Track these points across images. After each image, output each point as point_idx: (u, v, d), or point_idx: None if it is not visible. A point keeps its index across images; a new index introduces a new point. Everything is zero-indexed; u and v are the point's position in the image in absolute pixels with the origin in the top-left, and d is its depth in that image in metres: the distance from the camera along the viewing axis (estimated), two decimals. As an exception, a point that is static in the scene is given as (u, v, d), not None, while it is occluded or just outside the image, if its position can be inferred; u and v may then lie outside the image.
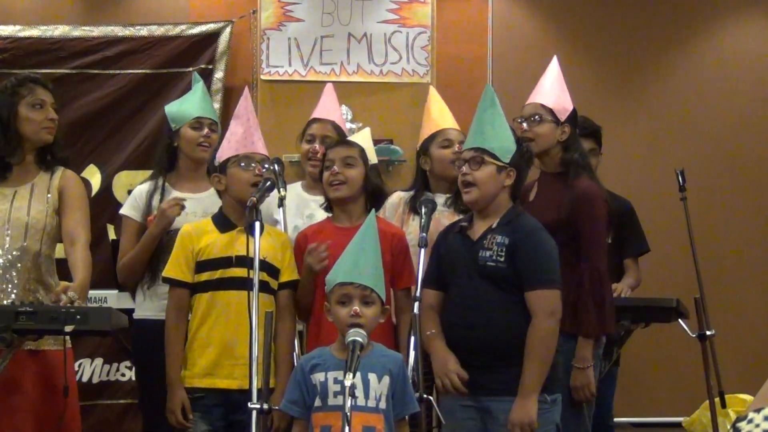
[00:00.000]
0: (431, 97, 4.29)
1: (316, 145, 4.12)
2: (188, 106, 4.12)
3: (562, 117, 3.86)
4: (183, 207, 3.83)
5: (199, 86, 4.22)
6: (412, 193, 4.07)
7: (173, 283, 3.57)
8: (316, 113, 4.26)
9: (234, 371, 3.46)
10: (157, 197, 3.99)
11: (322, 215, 4.01)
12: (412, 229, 3.88)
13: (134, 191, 4.09)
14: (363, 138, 3.96)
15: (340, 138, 4.12)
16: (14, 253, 3.57)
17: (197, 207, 3.95)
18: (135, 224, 4.00)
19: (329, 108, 4.29)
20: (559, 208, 3.74)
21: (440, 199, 3.96)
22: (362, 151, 3.72)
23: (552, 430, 3.42)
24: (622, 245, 4.71)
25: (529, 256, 3.40)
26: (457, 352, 3.42)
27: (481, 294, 3.41)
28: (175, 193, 4.02)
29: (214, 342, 3.50)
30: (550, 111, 3.85)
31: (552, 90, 3.91)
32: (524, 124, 3.85)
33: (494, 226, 3.46)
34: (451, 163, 3.94)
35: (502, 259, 3.39)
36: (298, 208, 4.11)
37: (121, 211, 4.09)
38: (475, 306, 3.41)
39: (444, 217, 3.88)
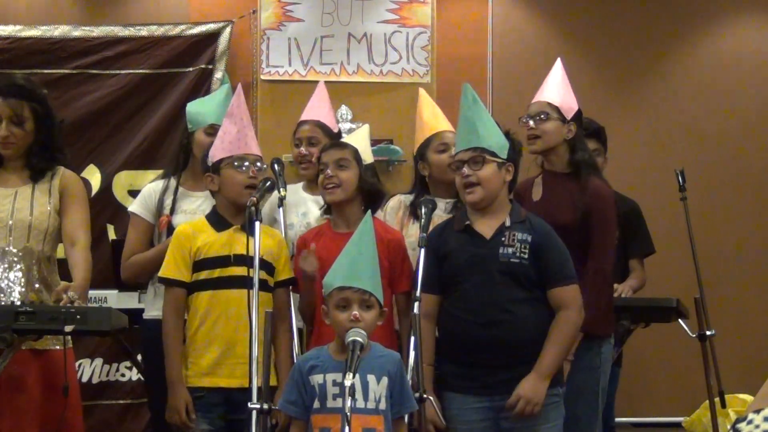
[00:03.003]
0: (422, 99, 4.25)
1: (302, 149, 4.13)
2: (207, 110, 4.12)
3: (569, 115, 3.87)
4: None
5: (223, 89, 4.24)
6: (412, 197, 4.05)
7: (170, 282, 3.56)
8: (303, 115, 4.25)
9: (236, 370, 3.45)
10: (168, 197, 3.99)
11: (315, 213, 4.01)
12: (412, 233, 3.85)
13: (144, 189, 4.08)
14: (360, 137, 3.92)
15: (328, 135, 4.11)
16: (17, 253, 3.56)
17: (206, 206, 3.95)
18: (144, 223, 4.00)
19: (316, 107, 4.26)
20: (573, 209, 3.75)
21: (441, 203, 3.94)
22: (356, 152, 3.70)
23: (562, 422, 3.45)
24: (628, 246, 4.71)
25: (554, 254, 3.44)
26: (474, 352, 3.41)
27: (501, 291, 3.40)
28: (188, 193, 4.02)
29: (215, 341, 3.50)
30: (556, 109, 3.86)
31: (558, 89, 3.92)
32: (530, 122, 3.86)
33: (508, 223, 3.47)
34: (450, 167, 3.95)
35: (526, 256, 3.41)
36: (294, 206, 4.10)
37: (130, 209, 4.08)
38: (494, 303, 3.40)
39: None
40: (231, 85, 4.33)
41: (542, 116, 3.86)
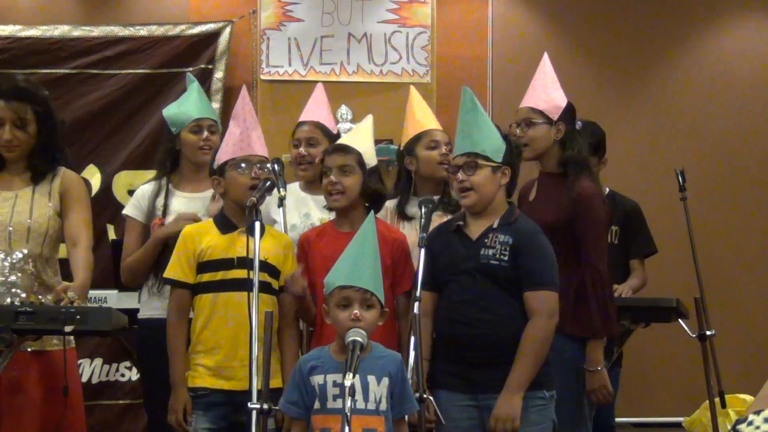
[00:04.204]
0: (413, 97, 4.25)
1: (301, 150, 4.13)
2: (186, 108, 4.12)
3: (555, 115, 3.84)
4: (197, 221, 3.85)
5: (193, 87, 4.22)
6: (396, 200, 4.04)
7: (174, 283, 3.57)
8: (302, 116, 4.26)
9: (238, 373, 3.45)
10: (160, 199, 4.00)
11: (317, 214, 4.02)
12: (404, 234, 3.86)
13: (137, 192, 4.10)
14: (364, 134, 3.86)
15: (327, 136, 4.12)
16: (17, 256, 3.56)
17: (200, 206, 3.95)
18: (138, 225, 4.02)
19: (314, 108, 4.27)
20: (558, 209, 3.74)
21: None
22: (359, 156, 3.68)
23: (550, 426, 3.44)
24: (629, 246, 4.71)
25: (531, 258, 3.42)
26: (457, 349, 3.44)
27: (482, 291, 3.42)
28: (179, 194, 4.02)
29: (218, 344, 3.50)
30: (540, 113, 3.84)
31: (542, 90, 3.89)
32: (517, 130, 3.86)
33: (495, 225, 3.48)
34: (440, 164, 3.95)
35: (506, 258, 3.41)
36: (296, 206, 4.10)
37: (124, 212, 4.10)
38: (475, 303, 3.42)
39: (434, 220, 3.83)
40: (198, 84, 4.33)
41: (527, 123, 3.85)
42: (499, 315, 3.40)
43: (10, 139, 3.61)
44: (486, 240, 3.46)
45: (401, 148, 4.13)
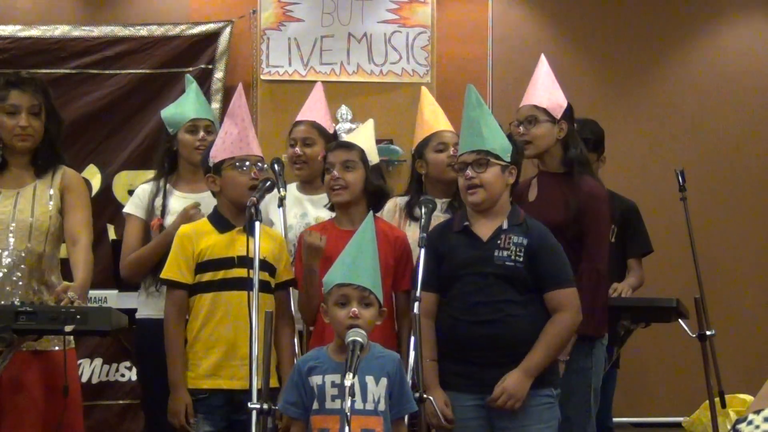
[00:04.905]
0: (423, 97, 4.25)
1: (297, 149, 4.14)
2: (183, 108, 4.13)
3: (558, 114, 3.86)
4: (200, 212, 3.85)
5: (192, 87, 4.23)
6: (407, 198, 4.05)
7: (172, 284, 3.56)
8: (299, 115, 4.26)
9: (238, 372, 3.45)
10: (159, 198, 4.00)
11: (313, 213, 4.03)
12: (409, 234, 3.85)
13: (137, 190, 4.10)
14: (366, 135, 3.89)
15: (324, 136, 4.13)
16: (18, 254, 3.56)
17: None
18: (139, 222, 4.02)
19: (312, 108, 4.27)
20: (566, 209, 3.75)
21: (437, 203, 3.93)
22: (362, 152, 3.69)
23: (556, 424, 3.46)
24: (626, 245, 4.72)
25: (549, 258, 3.45)
26: (466, 350, 3.43)
27: (494, 291, 3.41)
28: (177, 194, 4.02)
29: (218, 343, 3.49)
30: (544, 111, 3.85)
31: (544, 89, 3.90)
32: (520, 128, 3.86)
33: (505, 226, 3.48)
34: (449, 166, 3.93)
35: (521, 260, 3.42)
36: (291, 207, 4.10)
37: (125, 210, 4.11)
38: (487, 303, 3.41)
39: (440, 221, 3.83)
40: (197, 84, 4.34)
41: (531, 120, 3.85)
42: (511, 315, 3.40)
43: (26, 126, 3.63)
44: (498, 241, 3.46)
45: (412, 152, 4.13)
